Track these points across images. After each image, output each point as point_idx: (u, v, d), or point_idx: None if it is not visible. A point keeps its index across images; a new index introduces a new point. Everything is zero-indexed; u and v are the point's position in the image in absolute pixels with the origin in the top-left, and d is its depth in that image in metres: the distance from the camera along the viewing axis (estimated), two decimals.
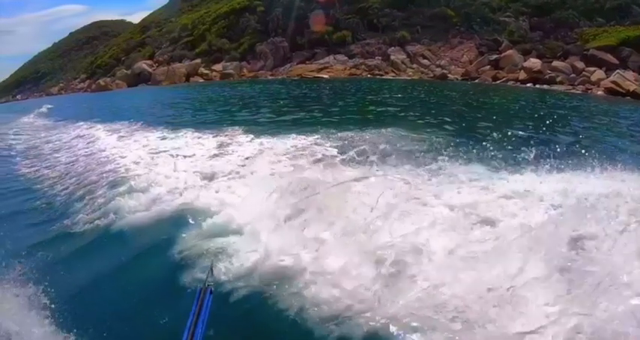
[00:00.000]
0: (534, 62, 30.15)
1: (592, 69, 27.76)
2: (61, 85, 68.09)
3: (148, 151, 8.82)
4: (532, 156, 5.96)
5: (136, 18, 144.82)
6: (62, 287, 3.87)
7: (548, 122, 11.12)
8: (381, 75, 36.19)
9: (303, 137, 8.27)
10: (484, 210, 3.77)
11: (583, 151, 5.74)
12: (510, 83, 29.33)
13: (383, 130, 8.55)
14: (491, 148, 5.97)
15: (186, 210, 5.19)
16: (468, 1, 39.07)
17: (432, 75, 34.42)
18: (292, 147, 7.58)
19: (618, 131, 11.68)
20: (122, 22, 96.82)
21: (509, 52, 32.73)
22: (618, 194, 4.20)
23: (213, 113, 17.01)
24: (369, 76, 36.09)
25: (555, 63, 29.75)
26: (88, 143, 11.28)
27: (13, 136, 15.70)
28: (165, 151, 8.61)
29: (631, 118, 14.47)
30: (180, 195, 5.67)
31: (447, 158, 5.66)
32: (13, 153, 12.26)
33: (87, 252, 4.90)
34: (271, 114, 14.61)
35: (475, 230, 3.53)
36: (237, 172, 6.33)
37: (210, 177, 6.29)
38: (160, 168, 7.18)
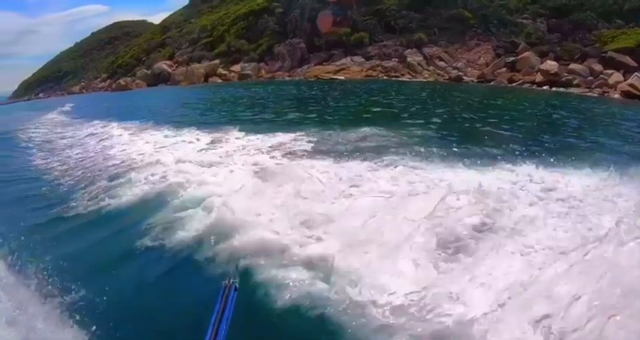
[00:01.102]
0: (551, 64, 29.60)
1: (610, 71, 27.15)
2: (82, 84, 68.68)
3: (151, 147, 9.57)
4: (497, 153, 6.23)
5: (156, 18, 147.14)
6: (69, 274, 3.94)
7: (542, 123, 11.18)
8: (397, 77, 35.94)
9: (287, 134, 8.88)
10: (407, 196, 4.34)
11: (562, 150, 5.96)
12: (526, 86, 28.86)
13: (364, 129, 8.96)
14: (461, 146, 6.30)
15: (173, 191, 6.09)
16: (486, 3, 38.71)
17: (447, 77, 34.12)
18: (274, 142, 8.24)
19: (616, 132, 11.58)
20: (143, 22, 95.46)
21: (526, 54, 32.17)
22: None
23: (219, 113, 17.70)
24: (385, 77, 35.85)
25: (572, 65, 29.19)
26: (100, 140, 12.09)
27: (33, 130, 16.90)
28: (164, 147, 9.41)
29: (637, 120, 14.28)
30: (170, 179, 6.57)
31: (409, 152, 6.10)
32: (30, 145, 13.32)
33: (97, 237, 5.40)
34: (271, 115, 15.22)
35: (387, 208, 4.21)
36: (220, 163, 7.25)
37: (199, 166, 7.17)
38: (158, 160, 7.89)
